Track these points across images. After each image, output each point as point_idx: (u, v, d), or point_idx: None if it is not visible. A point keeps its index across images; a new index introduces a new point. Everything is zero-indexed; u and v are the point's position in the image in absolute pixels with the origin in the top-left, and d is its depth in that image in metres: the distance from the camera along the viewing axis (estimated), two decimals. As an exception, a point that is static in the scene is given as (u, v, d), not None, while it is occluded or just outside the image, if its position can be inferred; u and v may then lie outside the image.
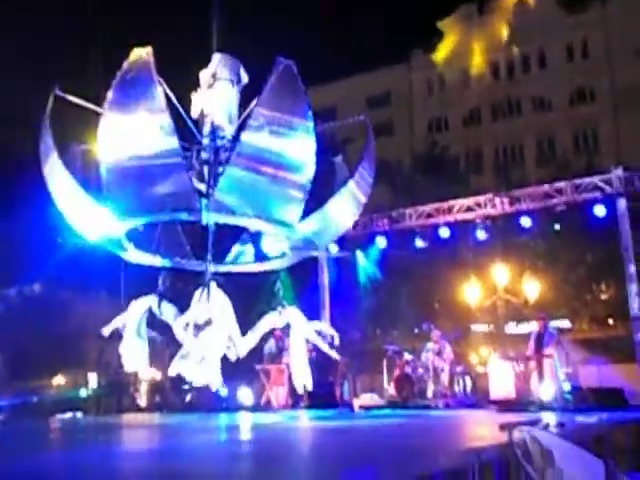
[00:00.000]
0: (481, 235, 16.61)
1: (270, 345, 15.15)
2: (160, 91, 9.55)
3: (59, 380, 45.15)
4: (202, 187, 10.68)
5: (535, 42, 42.07)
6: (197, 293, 10.65)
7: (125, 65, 9.67)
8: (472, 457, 4.99)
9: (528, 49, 42.87)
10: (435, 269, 21.26)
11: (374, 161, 12.53)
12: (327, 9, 47.78)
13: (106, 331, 12.14)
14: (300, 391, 12.00)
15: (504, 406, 11.71)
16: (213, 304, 10.38)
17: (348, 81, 47.27)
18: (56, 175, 10.75)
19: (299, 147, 10.07)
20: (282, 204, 10.61)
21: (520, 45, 42.45)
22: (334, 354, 12.98)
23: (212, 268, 10.87)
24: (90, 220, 10.98)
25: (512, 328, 21.71)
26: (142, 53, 9.58)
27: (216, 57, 11.37)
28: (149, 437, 7.91)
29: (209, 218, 10.42)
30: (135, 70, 9.58)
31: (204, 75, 11.41)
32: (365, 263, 18.73)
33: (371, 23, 55.48)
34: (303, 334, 12.02)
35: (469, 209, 16.61)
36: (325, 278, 18.15)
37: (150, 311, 12.69)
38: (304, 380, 11.86)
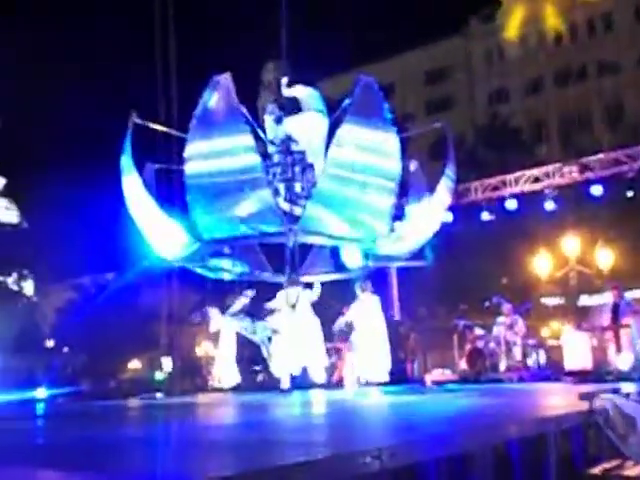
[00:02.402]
0: (550, 206, 16.26)
1: (340, 323, 15.22)
2: (241, 115, 10.08)
3: (135, 364, 46.70)
4: (280, 202, 11.08)
5: (600, 4, 40.49)
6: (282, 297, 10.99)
7: (206, 92, 10.17)
8: (552, 424, 4.95)
9: (592, 12, 41.32)
10: (502, 242, 20.94)
11: (455, 163, 12.91)
12: (381, -15, 47.18)
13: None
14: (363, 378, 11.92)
15: (580, 377, 11.49)
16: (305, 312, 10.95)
17: (405, 56, 46.61)
18: (135, 194, 11.30)
19: (385, 158, 10.57)
20: (371, 218, 10.94)
21: (584, 8, 40.96)
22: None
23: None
24: (168, 239, 11.52)
25: (585, 300, 21.22)
26: (221, 79, 10.09)
27: (306, 88, 11.79)
28: (230, 412, 8.14)
29: (296, 239, 10.83)
30: (216, 97, 10.12)
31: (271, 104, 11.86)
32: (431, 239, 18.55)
33: (426, -4, 54.44)
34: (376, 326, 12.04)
35: (537, 180, 16.26)
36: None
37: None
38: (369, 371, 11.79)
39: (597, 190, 15.53)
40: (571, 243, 18.63)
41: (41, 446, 4.66)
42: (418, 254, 12.91)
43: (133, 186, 11.40)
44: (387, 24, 48.72)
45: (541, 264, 19.19)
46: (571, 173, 15.68)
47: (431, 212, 12.19)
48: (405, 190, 12.77)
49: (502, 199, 16.69)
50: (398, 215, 12.13)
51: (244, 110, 10.58)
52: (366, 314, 11.76)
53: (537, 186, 16.25)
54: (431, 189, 13.21)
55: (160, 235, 11.55)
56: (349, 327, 14.99)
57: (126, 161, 11.44)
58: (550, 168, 16.11)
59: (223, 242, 11.55)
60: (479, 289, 21.70)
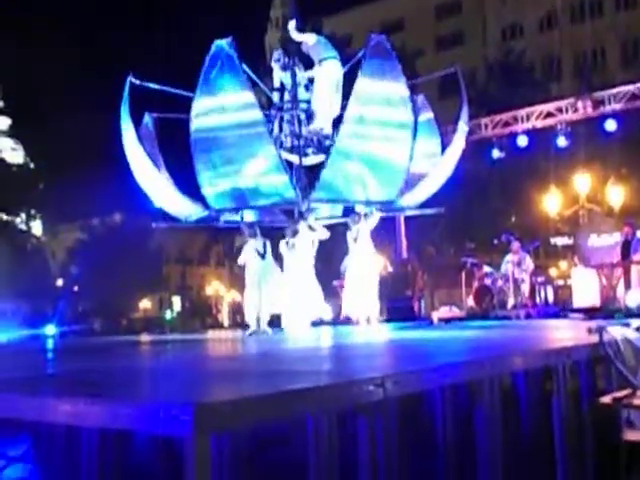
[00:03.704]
0: (562, 142, 15.93)
1: (347, 262, 15.17)
2: (243, 75, 10.07)
3: (145, 304, 47.48)
4: (285, 155, 11.01)
5: None
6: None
7: (208, 59, 10.14)
8: (561, 356, 4.86)
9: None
10: (512, 180, 20.66)
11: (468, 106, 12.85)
12: None
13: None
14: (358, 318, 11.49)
15: (589, 314, 11.41)
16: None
17: (416, -10, 45.33)
18: (133, 151, 11.26)
19: (398, 110, 10.56)
20: (388, 174, 10.86)
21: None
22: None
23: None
24: (177, 207, 11.52)
25: (594, 240, 21.05)
26: (223, 44, 10.07)
27: (313, 35, 11.61)
28: (237, 347, 8.16)
29: (309, 206, 10.76)
30: (219, 64, 10.13)
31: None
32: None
33: None
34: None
35: (549, 115, 15.90)
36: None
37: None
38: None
39: (611, 125, 15.18)
40: (582, 181, 18.32)
41: (47, 376, 4.64)
42: (428, 200, 12.75)
43: (135, 154, 11.34)
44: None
45: (551, 202, 18.93)
46: (585, 108, 15.28)
47: (446, 163, 12.02)
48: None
49: (513, 135, 16.37)
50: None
51: (246, 68, 10.56)
52: (360, 262, 11.38)
53: (549, 121, 15.90)
54: (439, 125, 13.10)
55: (168, 203, 11.68)
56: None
57: (125, 124, 11.31)
58: (563, 103, 15.72)
59: (232, 210, 11.42)
60: (488, 227, 21.58)
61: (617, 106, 14.91)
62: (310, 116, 11.48)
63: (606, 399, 4.04)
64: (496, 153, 16.70)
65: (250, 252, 10.84)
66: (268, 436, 4.36)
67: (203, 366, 5.06)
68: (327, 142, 11.32)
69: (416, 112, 11.84)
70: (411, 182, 11.55)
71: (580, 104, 15.33)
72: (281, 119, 11.69)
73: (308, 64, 11.81)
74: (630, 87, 14.98)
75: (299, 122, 11.47)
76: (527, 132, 16.19)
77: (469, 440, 4.08)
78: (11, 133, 48.49)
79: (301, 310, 10.86)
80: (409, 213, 13.79)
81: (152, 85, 11.62)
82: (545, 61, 39.74)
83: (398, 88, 10.73)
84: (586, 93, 15.92)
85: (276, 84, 11.97)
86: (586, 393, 5.12)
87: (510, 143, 16.54)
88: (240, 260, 10.94)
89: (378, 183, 11.02)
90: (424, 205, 12.57)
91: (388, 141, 10.77)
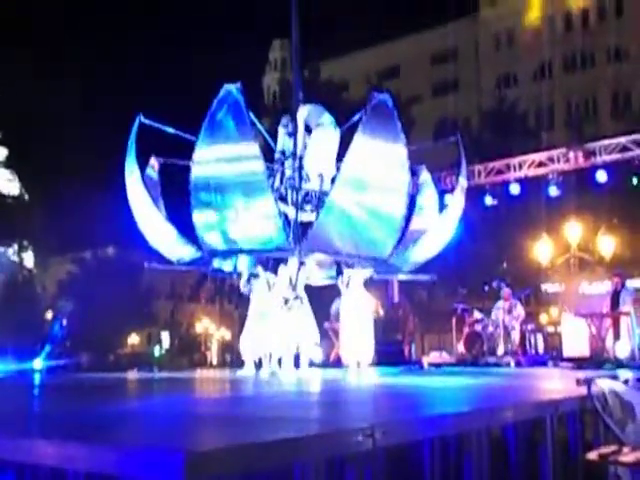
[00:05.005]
0: (554, 191, 16.13)
1: (337, 305, 15.17)
2: (249, 124, 10.19)
3: (133, 339, 47.01)
4: (286, 208, 11.16)
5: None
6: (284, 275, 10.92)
7: (216, 102, 10.21)
8: (550, 408, 4.88)
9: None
10: (504, 227, 20.81)
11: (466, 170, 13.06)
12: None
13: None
14: (349, 362, 11.46)
15: (578, 364, 11.43)
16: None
17: (412, 38, 46.28)
18: (139, 202, 11.37)
19: (396, 170, 10.66)
20: (381, 232, 10.98)
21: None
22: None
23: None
24: (171, 248, 11.57)
25: (585, 287, 21.18)
26: (232, 88, 10.14)
27: (305, 107, 11.87)
28: (224, 388, 8.12)
29: (301, 257, 10.85)
30: (226, 108, 10.22)
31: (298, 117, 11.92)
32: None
33: (436, -23, 53.81)
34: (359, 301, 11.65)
35: (541, 164, 16.12)
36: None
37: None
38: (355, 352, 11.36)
39: (602, 176, 15.40)
40: (573, 230, 18.51)
41: (35, 417, 4.61)
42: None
43: (137, 193, 11.42)
44: (395, 4, 48.18)
45: (542, 250, 19.08)
46: (576, 158, 15.52)
47: (446, 223, 12.22)
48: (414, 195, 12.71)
49: (506, 183, 16.56)
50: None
51: (252, 116, 10.69)
52: (352, 307, 11.43)
53: (541, 171, 16.12)
54: (433, 171, 13.33)
55: (163, 243, 11.70)
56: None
57: (130, 163, 11.41)
58: (555, 153, 15.97)
59: (225, 253, 11.47)
60: (479, 273, 21.65)
61: (608, 157, 15.16)
62: (308, 175, 11.66)
63: (593, 455, 4.04)
64: (489, 200, 16.86)
65: (261, 285, 10.96)
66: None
67: (192, 410, 5.04)
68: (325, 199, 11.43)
69: (414, 172, 12.06)
70: (405, 240, 11.65)
71: (572, 154, 15.57)
72: (282, 173, 11.85)
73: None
74: (621, 139, 15.24)
75: (300, 178, 11.60)
76: (519, 180, 16.39)
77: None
78: (7, 164, 48.65)
79: (289, 352, 10.86)
80: (402, 277, 13.87)
81: (161, 126, 11.71)
82: (538, 110, 40.45)
83: (397, 148, 10.79)
84: (577, 144, 16.20)
85: (279, 147, 12.10)
86: (574, 446, 5.12)
87: (503, 191, 16.72)
88: (242, 286, 11.10)
89: (371, 237, 11.04)
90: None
91: (383, 196, 10.79)
